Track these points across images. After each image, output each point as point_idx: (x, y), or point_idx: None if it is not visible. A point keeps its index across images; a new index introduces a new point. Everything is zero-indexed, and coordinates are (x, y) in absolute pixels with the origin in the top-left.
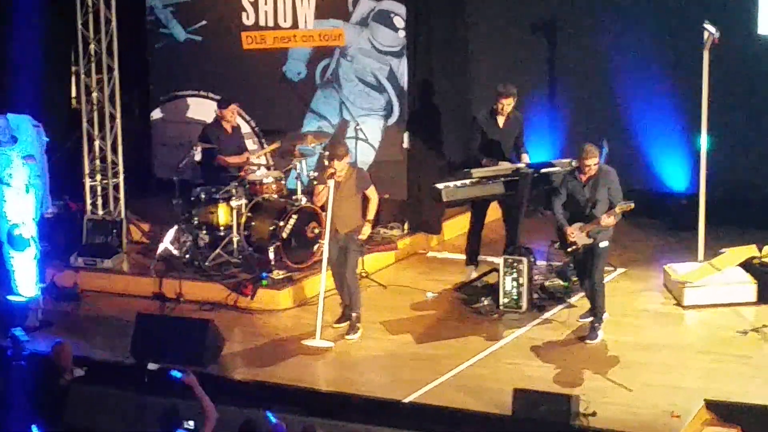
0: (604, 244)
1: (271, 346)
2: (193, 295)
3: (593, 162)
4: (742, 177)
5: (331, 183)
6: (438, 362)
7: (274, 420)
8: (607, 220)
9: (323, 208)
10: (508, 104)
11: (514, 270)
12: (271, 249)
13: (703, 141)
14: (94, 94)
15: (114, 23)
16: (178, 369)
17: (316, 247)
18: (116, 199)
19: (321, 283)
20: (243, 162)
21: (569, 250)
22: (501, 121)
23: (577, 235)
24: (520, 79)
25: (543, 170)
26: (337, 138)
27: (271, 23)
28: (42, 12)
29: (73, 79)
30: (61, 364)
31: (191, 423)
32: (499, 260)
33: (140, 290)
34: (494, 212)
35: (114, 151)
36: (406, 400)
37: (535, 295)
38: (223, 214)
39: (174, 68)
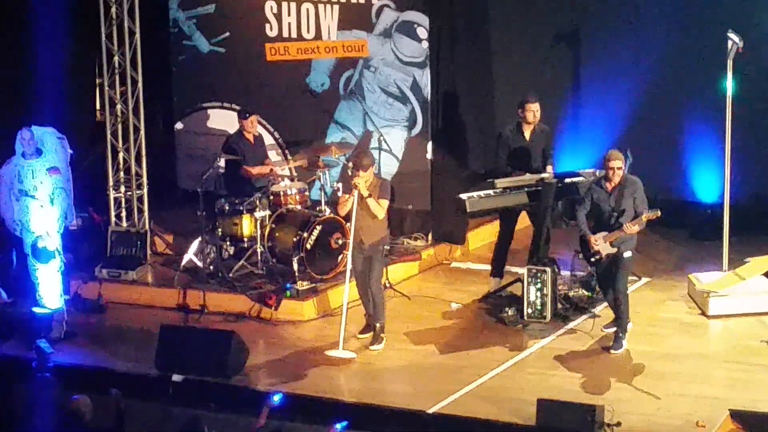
0: (628, 254)
1: (295, 357)
2: (217, 306)
3: (618, 164)
4: (767, 186)
5: (371, 201)
6: (462, 372)
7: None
8: (632, 228)
9: (347, 218)
10: (533, 111)
11: (539, 280)
12: (295, 260)
13: (728, 150)
14: (118, 106)
15: (138, 35)
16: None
17: (340, 257)
18: (140, 211)
19: (345, 293)
20: (267, 173)
21: (593, 259)
22: (528, 134)
23: (600, 244)
24: (544, 88)
25: (567, 180)
26: (361, 149)
27: (294, 35)
28: (66, 24)
29: (98, 91)
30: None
31: None
32: (523, 270)
33: (164, 302)
34: (520, 222)
35: (138, 162)
36: (430, 411)
37: (559, 305)
38: (246, 226)
39: (198, 80)
